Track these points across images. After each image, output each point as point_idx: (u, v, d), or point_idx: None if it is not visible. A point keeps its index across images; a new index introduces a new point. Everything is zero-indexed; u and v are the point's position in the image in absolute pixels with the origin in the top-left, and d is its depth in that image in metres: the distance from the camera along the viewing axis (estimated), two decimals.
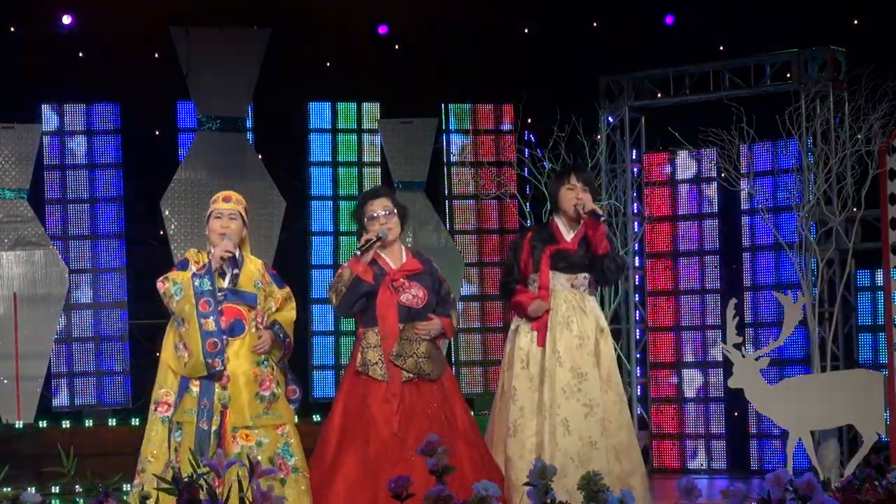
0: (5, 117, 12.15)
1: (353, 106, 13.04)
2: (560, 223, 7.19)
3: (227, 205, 6.70)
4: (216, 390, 6.47)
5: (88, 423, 11.75)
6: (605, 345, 7.14)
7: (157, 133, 12.92)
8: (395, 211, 6.82)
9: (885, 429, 9.90)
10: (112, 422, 11.60)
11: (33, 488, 7.99)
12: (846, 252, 11.24)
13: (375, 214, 6.79)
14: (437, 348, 6.87)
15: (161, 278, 6.61)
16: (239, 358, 6.54)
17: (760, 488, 4.74)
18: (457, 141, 13.06)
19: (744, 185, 11.58)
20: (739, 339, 9.86)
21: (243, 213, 6.72)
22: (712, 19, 12.21)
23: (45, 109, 12.45)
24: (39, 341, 12.00)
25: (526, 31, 13.01)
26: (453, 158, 13.03)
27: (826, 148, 11.18)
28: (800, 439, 10.00)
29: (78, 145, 12.54)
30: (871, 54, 10.93)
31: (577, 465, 6.74)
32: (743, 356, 9.86)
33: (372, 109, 13.04)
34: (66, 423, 11.53)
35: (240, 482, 4.95)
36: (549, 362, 6.98)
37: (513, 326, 7.19)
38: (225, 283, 6.61)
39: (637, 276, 12.67)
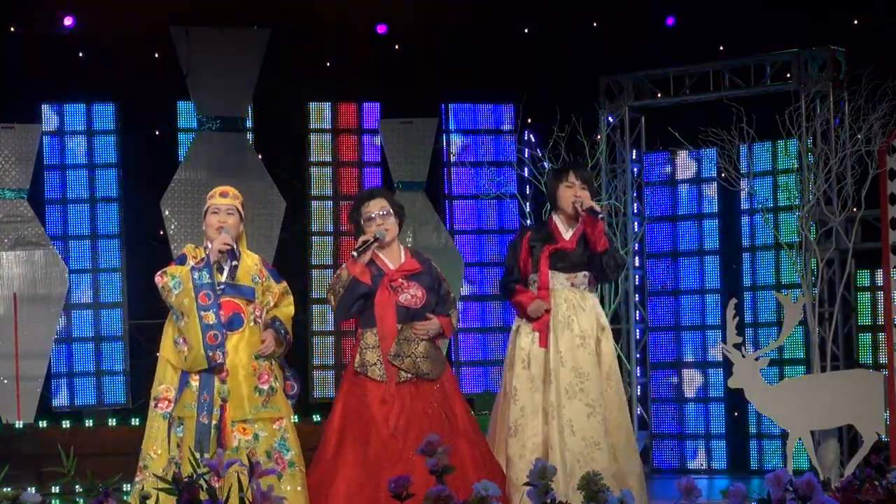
0: (5, 117, 12.15)
1: (353, 106, 13.04)
2: (559, 222, 7.19)
3: (225, 200, 6.71)
4: (216, 384, 6.48)
5: (88, 423, 11.75)
6: (607, 343, 7.15)
7: (156, 133, 12.92)
8: (392, 211, 6.82)
9: (885, 429, 9.89)
10: (112, 422, 11.60)
11: (33, 488, 7.99)
12: (846, 252, 11.24)
13: (372, 215, 6.79)
14: (437, 348, 6.87)
15: (159, 272, 6.61)
16: (237, 352, 6.55)
17: (760, 488, 4.74)
18: (457, 141, 13.06)
19: (744, 185, 11.58)
20: (739, 339, 9.86)
21: (240, 209, 6.73)
22: (712, 19, 12.21)
23: (45, 109, 12.45)
24: (39, 341, 11.99)
25: (526, 31, 13.00)
26: (453, 158, 13.03)
27: (826, 148, 11.18)
28: (800, 439, 10.00)
29: (78, 145, 12.54)
30: (871, 54, 10.93)
31: (581, 465, 6.74)
32: (743, 356, 9.85)
33: (372, 109, 13.05)
34: (66, 423, 11.52)
35: (240, 482, 4.95)
36: (554, 363, 6.99)
37: (514, 326, 7.21)
38: (223, 277, 6.62)
39: (637, 276, 12.66)
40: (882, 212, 10.01)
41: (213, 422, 6.42)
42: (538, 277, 7.07)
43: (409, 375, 6.68)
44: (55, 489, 9.79)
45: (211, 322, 6.48)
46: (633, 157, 12.67)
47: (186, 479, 4.72)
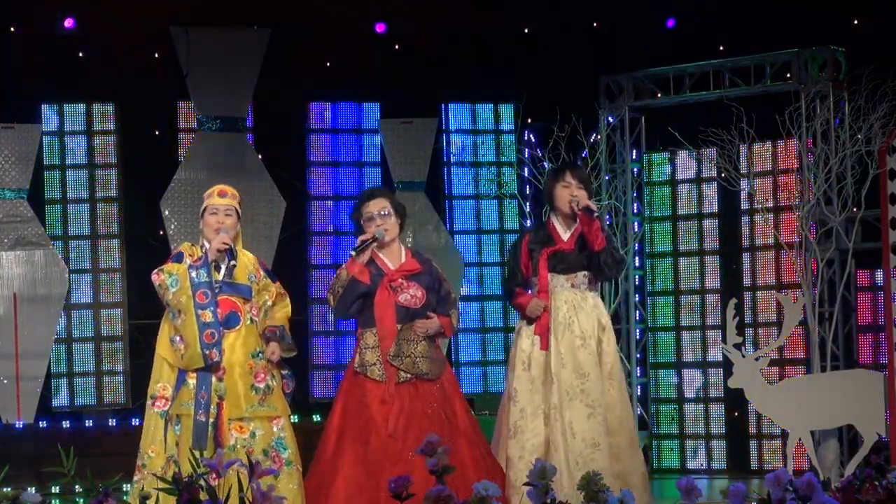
0: (5, 117, 12.14)
1: (353, 106, 13.04)
2: (556, 222, 7.20)
3: (223, 200, 6.72)
4: (213, 382, 6.49)
5: (88, 423, 11.75)
6: (608, 342, 7.15)
7: (156, 133, 12.91)
8: (393, 211, 6.82)
9: (885, 429, 9.89)
10: (112, 422, 11.61)
11: (33, 488, 8.00)
12: (846, 252, 11.23)
13: (372, 215, 6.79)
14: (437, 348, 6.87)
15: (156, 270, 6.62)
16: (234, 350, 6.56)
17: (760, 488, 4.73)
18: (457, 141, 13.06)
19: (744, 185, 11.57)
20: (739, 339, 9.86)
21: (238, 208, 6.75)
22: (712, 19, 12.20)
23: (45, 109, 12.44)
24: (39, 341, 11.98)
25: (526, 31, 12.99)
26: (453, 158, 13.03)
27: (826, 148, 11.17)
28: (800, 439, 9.99)
29: (78, 145, 12.53)
30: (871, 54, 10.92)
31: (581, 466, 6.75)
32: (743, 356, 9.85)
33: (372, 109, 13.05)
34: (66, 423, 11.52)
35: (240, 481, 4.94)
36: (555, 365, 7.00)
37: (516, 328, 7.24)
38: (220, 276, 6.63)
39: (637, 276, 12.66)
40: (882, 212, 10.00)
41: (211, 420, 6.42)
42: (538, 280, 7.09)
43: (409, 375, 6.68)
44: (55, 489, 9.81)
45: (208, 320, 6.48)
46: (633, 157, 12.67)
47: (186, 479, 4.71)
